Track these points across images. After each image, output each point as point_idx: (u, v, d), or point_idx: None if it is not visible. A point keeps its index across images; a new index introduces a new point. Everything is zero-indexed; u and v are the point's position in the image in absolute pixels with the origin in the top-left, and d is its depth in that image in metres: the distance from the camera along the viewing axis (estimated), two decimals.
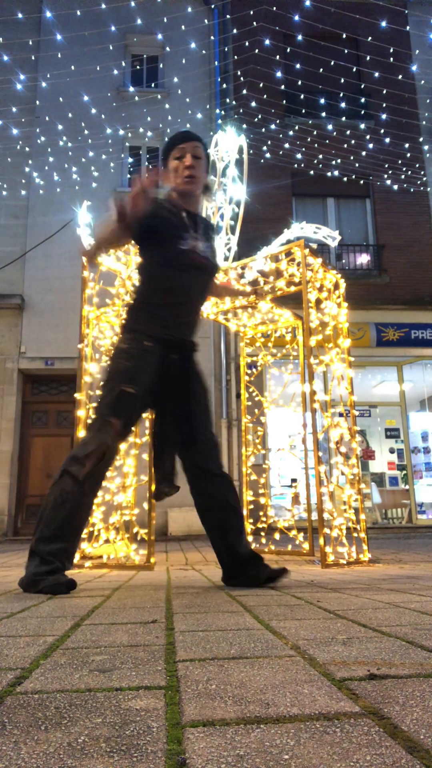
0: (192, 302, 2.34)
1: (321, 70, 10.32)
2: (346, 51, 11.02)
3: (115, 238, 2.21)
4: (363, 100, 11.32)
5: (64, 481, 2.10)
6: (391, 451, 10.72)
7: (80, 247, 2.20)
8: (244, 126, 10.20)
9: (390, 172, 10.85)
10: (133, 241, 2.37)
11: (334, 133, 10.79)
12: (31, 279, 10.13)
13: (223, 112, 11.10)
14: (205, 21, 11.40)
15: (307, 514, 4.53)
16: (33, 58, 10.69)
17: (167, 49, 11.26)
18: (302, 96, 10.68)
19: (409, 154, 10.81)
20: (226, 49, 11.41)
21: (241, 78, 10.76)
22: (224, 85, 11.32)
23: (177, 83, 11.20)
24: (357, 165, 10.74)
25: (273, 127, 10.77)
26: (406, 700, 0.76)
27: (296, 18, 9.72)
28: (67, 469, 2.12)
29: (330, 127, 10.74)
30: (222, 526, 2.24)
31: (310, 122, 10.96)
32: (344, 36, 11.31)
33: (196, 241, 2.28)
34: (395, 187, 10.94)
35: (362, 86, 11.34)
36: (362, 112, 11.35)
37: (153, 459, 2.36)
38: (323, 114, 10.78)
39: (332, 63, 10.38)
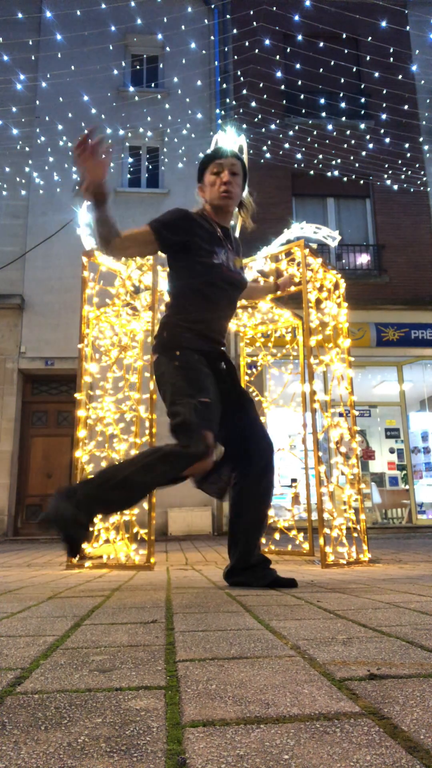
0: (224, 317, 2.33)
1: (321, 70, 10.32)
2: (346, 51, 11.02)
3: (140, 246, 2.16)
4: (363, 100, 11.32)
5: (152, 471, 1.94)
6: (391, 451, 10.72)
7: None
8: (244, 126, 10.20)
9: (390, 172, 10.85)
10: (162, 253, 2.30)
11: (334, 133, 10.79)
12: (31, 279, 10.13)
13: (223, 112, 11.10)
14: (205, 21, 11.40)
15: (307, 514, 4.53)
16: (33, 58, 10.69)
17: (167, 49, 11.26)
18: (302, 96, 10.68)
19: (409, 154, 10.81)
20: (226, 49, 11.41)
21: (241, 78, 10.76)
22: (224, 85, 11.32)
23: (177, 83, 11.20)
24: (357, 165, 10.74)
25: (273, 127, 10.77)
26: (406, 700, 0.76)
27: (296, 18, 9.72)
28: (165, 467, 1.95)
29: (330, 127, 10.74)
30: (248, 532, 2.25)
31: (310, 122, 10.96)
32: (344, 36, 11.31)
33: (228, 257, 2.28)
34: (395, 187, 10.94)
35: (362, 86, 11.33)
36: (362, 112, 11.35)
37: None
38: (323, 114, 10.78)
39: (332, 63, 10.38)
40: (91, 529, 2.00)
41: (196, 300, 2.22)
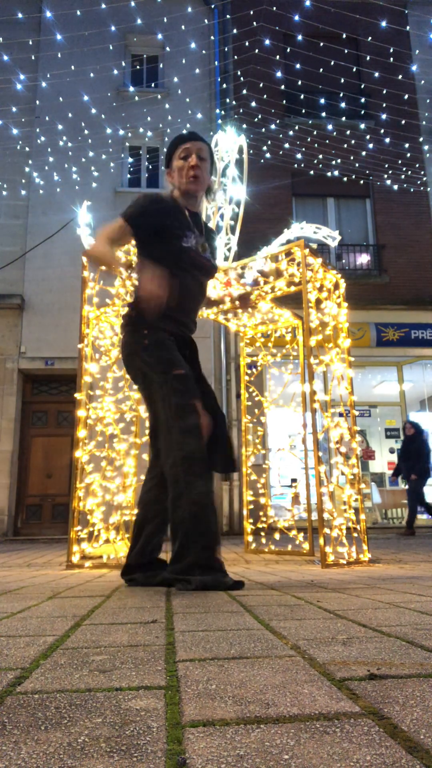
0: (193, 301, 2.34)
1: (321, 70, 10.32)
2: (346, 51, 11.02)
3: (118, 241, 2.26)
4: (363, 100, 11.32)
5: (197, 488, 2.02)
6: (391, 451, 10.71)
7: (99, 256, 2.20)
8: (244, 126, 10.20)
9: (390, 172, 10.85)
10: (133, 241, 2.36)
11: (334, 133, 10.79)
12: (31, 279, 10.13)
13: (223, 112, 11.10)
14: (205, 21, 11.40)
15: (307, 514, 4.53)
16: (33, 58, 10.69)
17: (167, 49, 11.26)
18: (302, 96, 10.68)
19: (409, 154, 10.81)
20: (226, 49, 11.41)
21: (241, 78, 10.76)
22: (224, 85, 11.32)
23: (177, 83, 11.20)
24: (357, 165, 10.74)
25: (273, 127, 10.77)
26: (406, 700, 0.76)
27: (296, 18, 9.72)
28: (192, 476, 2.03)
29: (330, 127, 10.74)
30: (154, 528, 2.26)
31: (310, 122, 10.96)
32: (344, 36, 11.31)
33: (198, 241, 2.29)
34: (395, 187, 10.94)
35: (362, 86, 11.34)
36: (362, 112, 11.35)
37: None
38: (323, 114, 10.78)
39: (332, 63, 10.38)
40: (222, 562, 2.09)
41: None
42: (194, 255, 2.25)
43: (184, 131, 2.40)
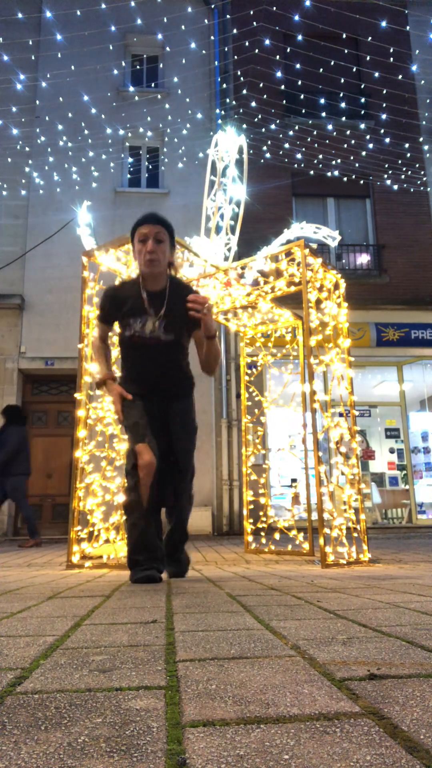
0: (152, 370, 2.54)
1: (321, 70, 10.32)
2: (346, 51, 11.02)
3: (106, 335, 2.71)
4: (363, 100, 11.32)
5: (128, 522, 2.50)
6: (391, 451, 10.71)
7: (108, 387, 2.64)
8: (244, 126, 10.20)
9: (390, 172, 10.84)
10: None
11: (334, 133, 10.79)
12: (31, 279, 10.12)
13: (223, 112, 11.09)
14: (205, 21, 11.40)
15: (307, 514, 4.53)
16: (33, 58, 10.68)
17: (167, 49, 11.25)
18: (302, 96, 10.67)
19: (409, 154, 10.81)
20: (226, 49, 11.40)
21: (241, 78, 10.75)
22: (224, 85, 11.31)
23: (177, 83, 11.20)
24: (357, 165, 10.74)
25: (273, 127, 10.76)
26: (406, 700, 0.76)
27: (296, 18, 9.72)
28: (128, 516, 2.49)
29: (330, 127, 10.74)
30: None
31: (310, 122, 10.96)
32: (344, 36, 11.31)
33: (147, 321, 2.48)
34: (395, 187, 10.94)
35: (362, 86, 11.33)
36: (362, 112, 11.35)
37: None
38: (323, 114, 10.78)
39: (332, 63, 10.38)
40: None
41: (123, 361, 2.62)
42: (136, 340, 2.49)
43: (145, 214, 2.55)
